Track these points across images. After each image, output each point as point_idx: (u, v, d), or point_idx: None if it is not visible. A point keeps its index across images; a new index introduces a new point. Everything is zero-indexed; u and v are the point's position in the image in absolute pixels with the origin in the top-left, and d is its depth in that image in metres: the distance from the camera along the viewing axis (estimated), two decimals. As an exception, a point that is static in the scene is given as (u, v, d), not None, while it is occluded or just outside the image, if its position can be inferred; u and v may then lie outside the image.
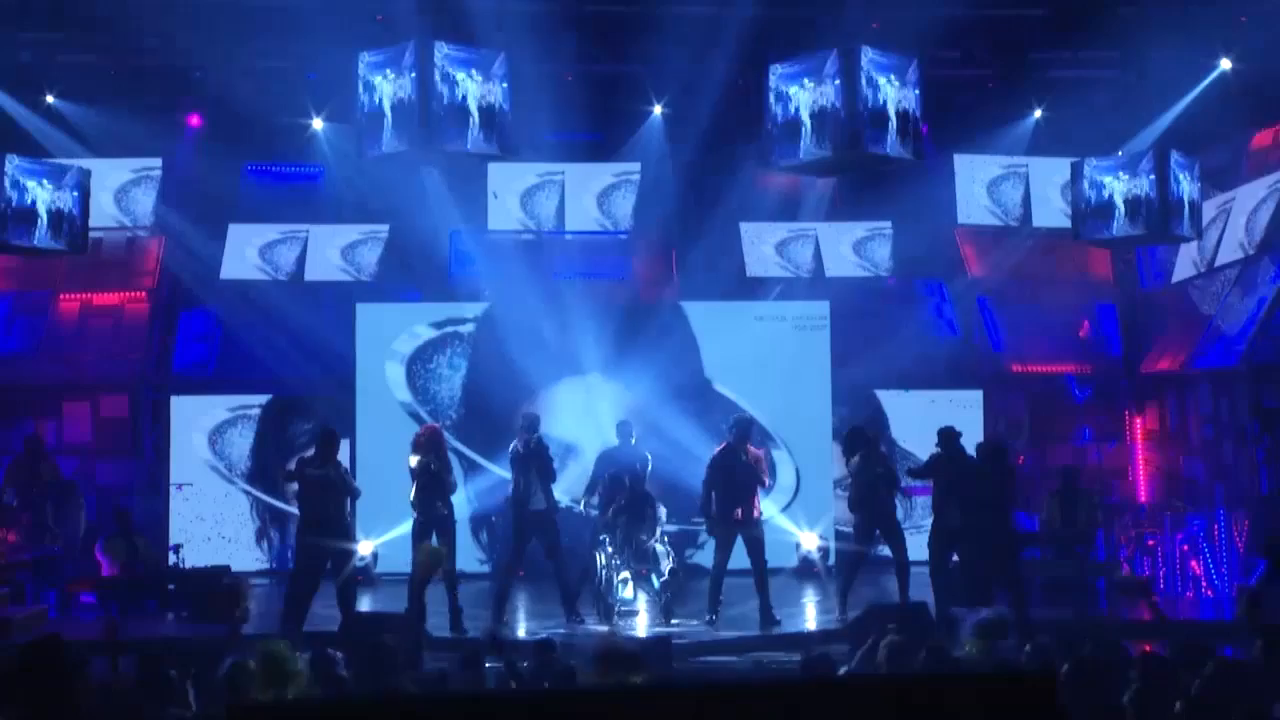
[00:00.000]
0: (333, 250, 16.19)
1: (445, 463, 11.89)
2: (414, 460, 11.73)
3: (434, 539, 11.74)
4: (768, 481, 12.46)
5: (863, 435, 12.54)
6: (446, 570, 11.73)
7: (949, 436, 12.10)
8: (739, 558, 12.04)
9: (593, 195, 16.45)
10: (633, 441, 12.96)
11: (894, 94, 11.50)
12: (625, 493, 12.33)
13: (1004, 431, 15.52)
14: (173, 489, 15.23)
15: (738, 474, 11.93)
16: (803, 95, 11.79)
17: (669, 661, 10.18)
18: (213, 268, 15.93)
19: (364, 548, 13.29)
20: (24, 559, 13.18)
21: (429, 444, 11.81)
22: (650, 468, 12.85)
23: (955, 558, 12.00)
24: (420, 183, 15.60)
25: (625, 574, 12.13)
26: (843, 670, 7.49)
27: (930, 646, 7.20)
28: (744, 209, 16.44)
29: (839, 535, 14.86)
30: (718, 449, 12.24)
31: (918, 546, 12.58)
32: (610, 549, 12.17)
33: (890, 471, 12.46)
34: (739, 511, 11.90)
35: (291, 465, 12.16)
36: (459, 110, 12.30)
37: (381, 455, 13.77)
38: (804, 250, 16.57)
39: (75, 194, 13.72)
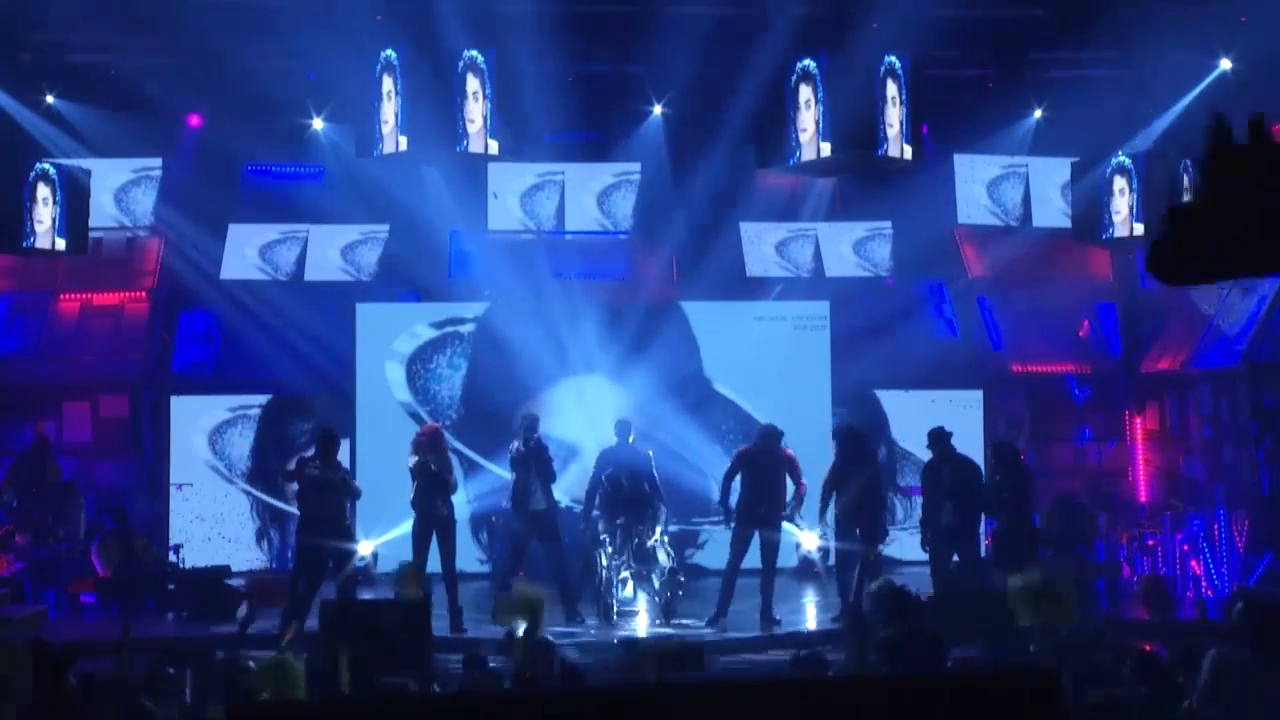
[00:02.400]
0: (333, 250, 16.19)
1: (446, 462, 11.89)
2: (413, 460, 11.73)
3: (434, 539, 11.75)
4: (803, 483, 12.33)
5: (855, 437, 12.56)
6: (446, 570, 11.76)
7: (939, 438, 12.13)
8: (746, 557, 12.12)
9: (593, 195, 16.44)
10: (630, 440, 12.95)
11: (895, 94, 11.52)
12: (625, 492, 12.33)
13: (1003, 431, 15.52)
14: (173, 489, 15.21)
15: (766, 472, 11.96)
16: (803, 95, 11.81)
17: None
18: (213, 268, 15.93)
19: (364, 548, 13.28)
20: (24, 559, 13.19)
21: (429, 444, 11.81)
22: (653, 467, 12.85)
23: (955, 557, 12.02)
24: (420, 183, 15.61)
25: (625, 574, 12.14)
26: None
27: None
28: (744, 209, 16.44)
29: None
30: (746, 445, 12.28)
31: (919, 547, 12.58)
32: (610, 549, 12.17)
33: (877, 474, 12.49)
34: (761, 510, 11.95)
35: (291, 465, 12.17)
36: (459, 110, 12.33)
37: (381, 455, 13.76)
38: (804, 250, 16.57)
39: (76, 194, 13.75)
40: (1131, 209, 14.39)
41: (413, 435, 12.31)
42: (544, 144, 15.72)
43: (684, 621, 11.91)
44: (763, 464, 12.05)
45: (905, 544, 14.22)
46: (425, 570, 11.67)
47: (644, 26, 14.85)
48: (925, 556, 12.21)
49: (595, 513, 12.68)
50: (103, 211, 15.40)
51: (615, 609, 12.01)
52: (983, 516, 12.34)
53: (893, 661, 7.52)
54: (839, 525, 12.26)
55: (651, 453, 12.98)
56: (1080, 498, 14.56)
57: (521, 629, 7.86)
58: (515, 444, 12.34)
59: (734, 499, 12.25)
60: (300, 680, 6.37)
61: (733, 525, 12.23)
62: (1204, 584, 13.34)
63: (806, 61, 11.93)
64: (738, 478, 12.19)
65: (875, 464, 12.50)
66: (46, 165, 13.64)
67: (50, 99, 15.68)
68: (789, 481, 12.20)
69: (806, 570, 14.61)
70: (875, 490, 12.34)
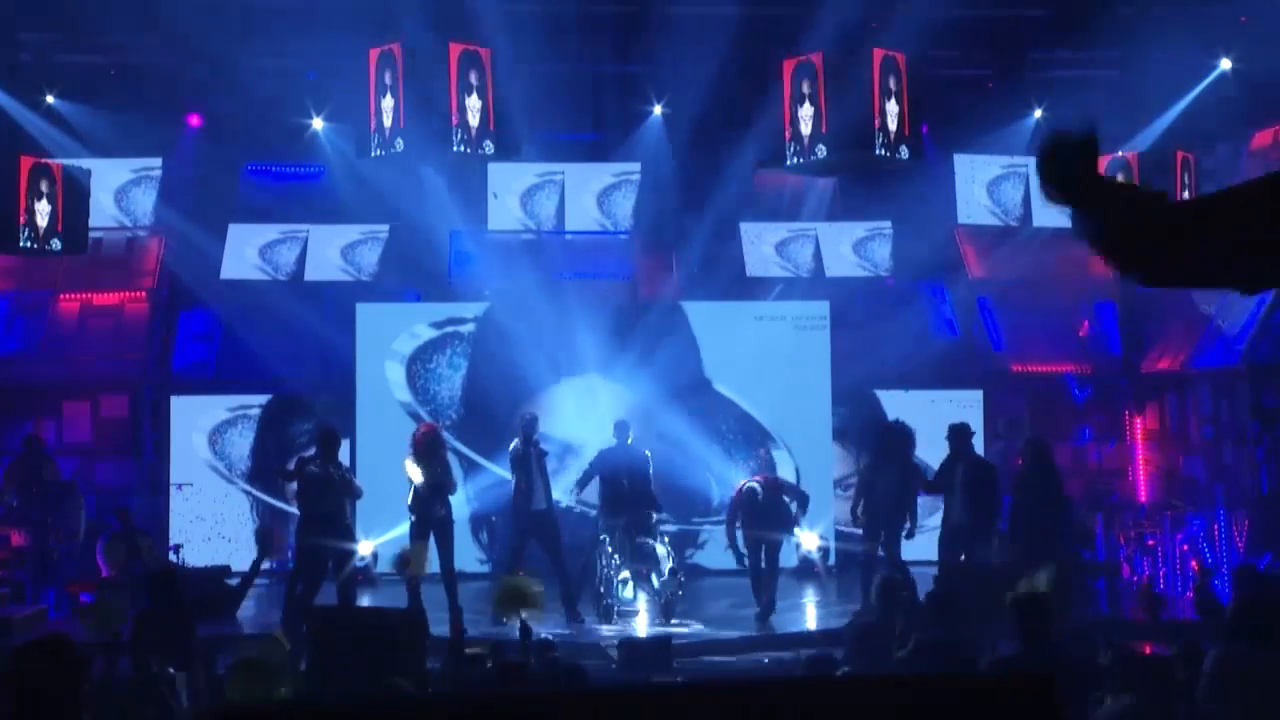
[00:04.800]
0: (333, 250, 16.19)
1: (445, 464, 11.87)
2: (415, 473, 11.65)
3: (431, 540, 11.73)
4: (801, 498, 12.53)
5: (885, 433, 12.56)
6: (445, 571, 11.75)
7: (960, 434, 12.10)
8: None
9: (593, 195, 16.45)
10: (629, 441, 12.93)
11: (894, 94, 11.52)
12: (625, 492, 12.34)
13: (1003, 431, 15.53)
14: (173, 489, 15.22)
15: (763, 505, 12.09)
16: (803, 95, 11.81)
17: (669, 663, 10.22)
18: (213, 268, 15.93)
19: (364, 548, 13.27)
20: (24, 559, 13.19)
21: (427, 447, 11.74)
22: (651, 467, 12.86)
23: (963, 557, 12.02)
24: (420, 183, 15.61)
25: (625, 574, 12.14)
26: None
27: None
28: (744, 209, 16.44)
29: (839, 535, 14.88)
30: (738, 494, 12.40)
31: (920, 547, 12.58)
32: (610, 549, 12.17)
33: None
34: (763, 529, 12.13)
35: (291, 465, 12.14)
36: (459, 110, 12.33)
37: (381, 455, 13.75)
38: (804, 250, 16.57)
39: (75, 194, 13.75)
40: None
41: (410, 436, 12.27)
42: (544, 144, 15.72)
43: (685, 621, 11.90)
44: (758, 503, 12.19)
45: (909, 544, 14.20)
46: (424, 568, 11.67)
47: (644, 26, 14.85)
48: (930, 556, 12.22)
49: (594, 512, 12.71)
50: (103, 211, 15.40)
51: (615, 609, 12.01)
52: (996, 516, 12.31)
53: (927, 664, 7.53)
54: (858, 521, 12.38)
55: (650, 453, 12.98)
56: (1076, 499, 14.54)
57: (518, 621, 7.87)
58: (515, 444, 12.34)
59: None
60: (278, 677, 6.35)
61: (739, 536, 12.35)
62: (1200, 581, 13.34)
63: (806, 61, 11.92)
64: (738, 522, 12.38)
65: (901, 462, 12.39)
66: (46, 165, 13.64)
67: (50, 99, 15.68)
68: (788, 501, 12.35)
69: (806, 570, 14.61)
70: (895, 489, 12.29)
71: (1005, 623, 8.20)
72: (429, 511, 11.65)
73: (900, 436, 12.36)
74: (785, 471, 15.18)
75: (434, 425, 12.75)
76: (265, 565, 10.28)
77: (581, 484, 13.07)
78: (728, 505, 12.66)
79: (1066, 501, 14.04)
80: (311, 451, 11.83)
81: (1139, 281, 2.87)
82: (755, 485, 12.30)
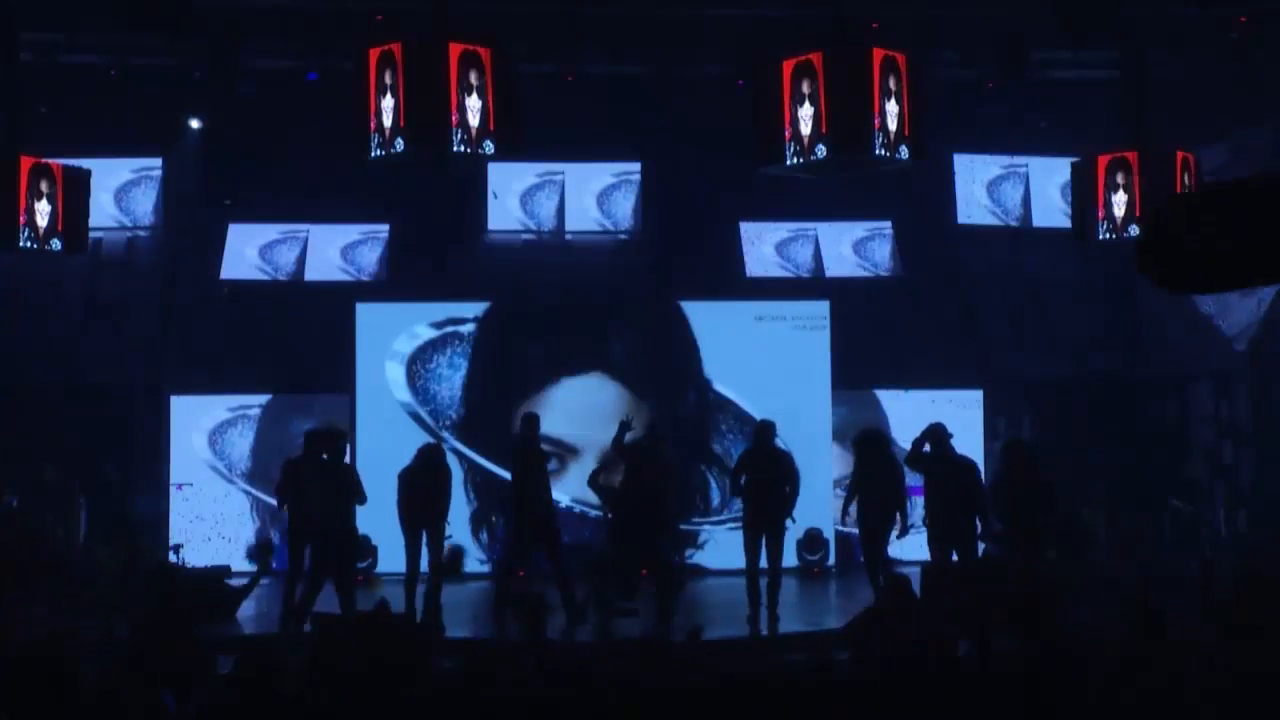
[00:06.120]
0: (333, 250, 16.21)
1: (425, 497, 11.65)
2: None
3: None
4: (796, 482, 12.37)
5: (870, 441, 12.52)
6: (431, 565, 11.77)
7: (938, 437, 12.07)
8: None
9: (593, 195, 16.46)
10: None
11: (894, 94, 11.51)
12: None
13: (1004, 432, 15.54)
14: (173, 489, 15.23)
15: (766, 475, 12.02)
16: (802, 95, 11.80)
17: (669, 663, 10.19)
18: (213, 268, 15.94)
19: (364, 549, 13.27)
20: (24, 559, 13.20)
21: (421, 470, 11.70)
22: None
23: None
24: (420, 183, 15.62)
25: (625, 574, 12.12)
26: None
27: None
28: (744, 209, 16.45)
29: (839, 535, 14.89)
30: (748, 447, 12.36)
31: (917, 547, 12.59)
32: (610, 549, 12.15)
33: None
34: (763, 517, 11.99)
35: (280, 475, 11.98)
36: (459, 110, 12.33)
37: (381, 455, 13.75)
38: (804, 250, 16.59)
39: (75, 194, 13.75)
40: (1130, 209, 14.38)
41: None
42: (544, 144, 15.71)
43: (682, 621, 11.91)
44: (763, 465, 12.07)
45: (901, 544, 14.21)
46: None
47: (644, 27, 14.85)
48: (921, 557, 12.22)
49: (594, 512, 12.68)
50: (103, 211, 15.41)
51: (615, 609, 12.00)
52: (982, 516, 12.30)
53: (899, 660, 7.52)
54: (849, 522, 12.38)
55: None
56: (1076, 499, 14.55)
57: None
58: (516, 443, 12.33)
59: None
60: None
61: (742, 533, 12.26)
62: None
63: (805, 60, 11.91)
64: (743, 479, 12.25)
65: (889, 468, 12.37)
66: (46, 165, 13.64)
67: (50, 99, 15.67)
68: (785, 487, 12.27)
69: (807, 570, 14.62)
70: (884, 501, 12.26)
71: (972, 621, 8.23)
72: (415, 509, 11.66)
73: (882, 442, 12.42)
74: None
75: (434, 453, 12.17)
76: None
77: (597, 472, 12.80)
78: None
79: (1048, 503, 14.00)
80: (299, 455, 11.75)
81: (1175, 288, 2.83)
82: (767, 426, 12.27)
